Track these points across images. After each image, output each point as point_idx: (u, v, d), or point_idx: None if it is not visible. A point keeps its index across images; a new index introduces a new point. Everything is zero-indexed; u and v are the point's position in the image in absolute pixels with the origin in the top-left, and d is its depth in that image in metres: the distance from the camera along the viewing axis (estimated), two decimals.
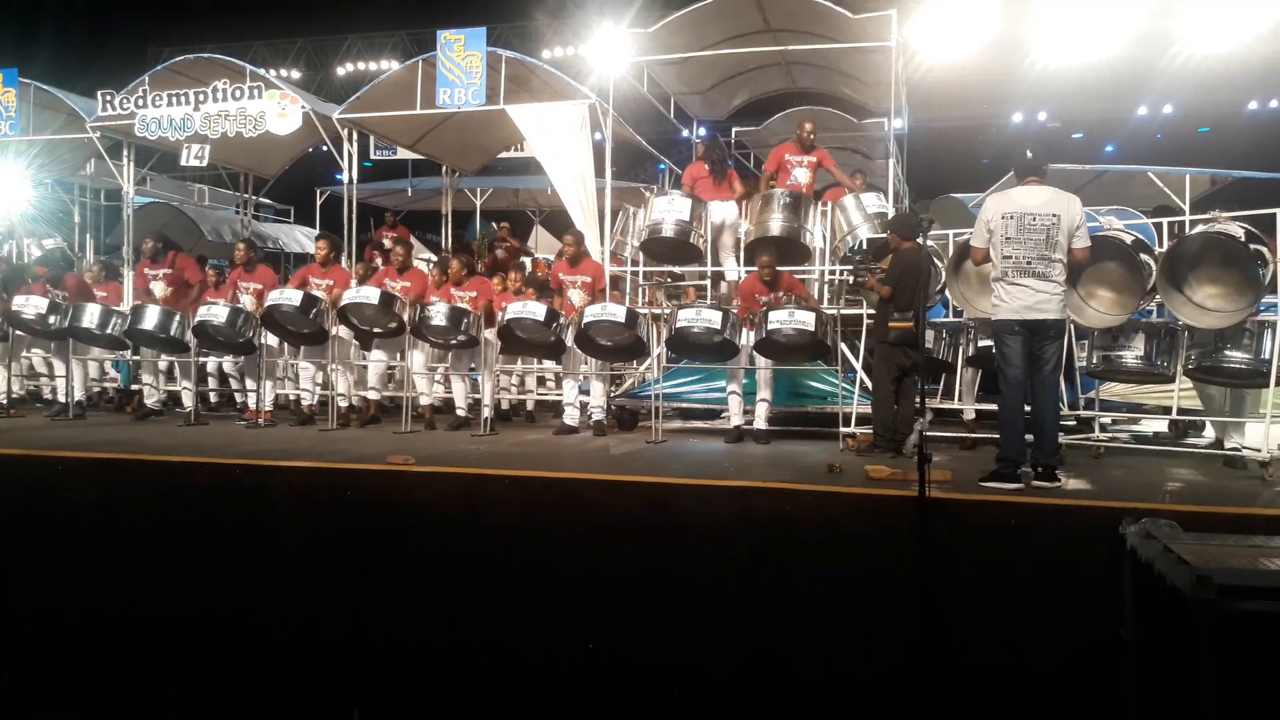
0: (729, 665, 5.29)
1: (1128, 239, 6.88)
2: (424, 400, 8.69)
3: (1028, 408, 5.81)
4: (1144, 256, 6.73)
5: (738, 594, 5.32)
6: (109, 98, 10.36)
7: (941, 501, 5.11)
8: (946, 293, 7.42)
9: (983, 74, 12.38)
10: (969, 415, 7.81)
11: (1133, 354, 6.89)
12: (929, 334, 7.72)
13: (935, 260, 7.38)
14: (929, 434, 5.07)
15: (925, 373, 6.83)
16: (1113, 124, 19.59)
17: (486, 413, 8.36)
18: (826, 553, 5.24)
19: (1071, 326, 6.96)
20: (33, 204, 12.26)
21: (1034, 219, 5.64)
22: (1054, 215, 5.65)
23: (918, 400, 6.99)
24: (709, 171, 9.09)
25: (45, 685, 6.43)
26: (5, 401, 9.54)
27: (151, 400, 9.48)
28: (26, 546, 6.47)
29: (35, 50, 15.58)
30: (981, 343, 7.39)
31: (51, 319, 9.04)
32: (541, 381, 10.46)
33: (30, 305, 9.01)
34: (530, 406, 10.00)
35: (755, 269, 8.06)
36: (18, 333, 9.59)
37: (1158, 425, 8.24)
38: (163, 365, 9.60)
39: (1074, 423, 7.57)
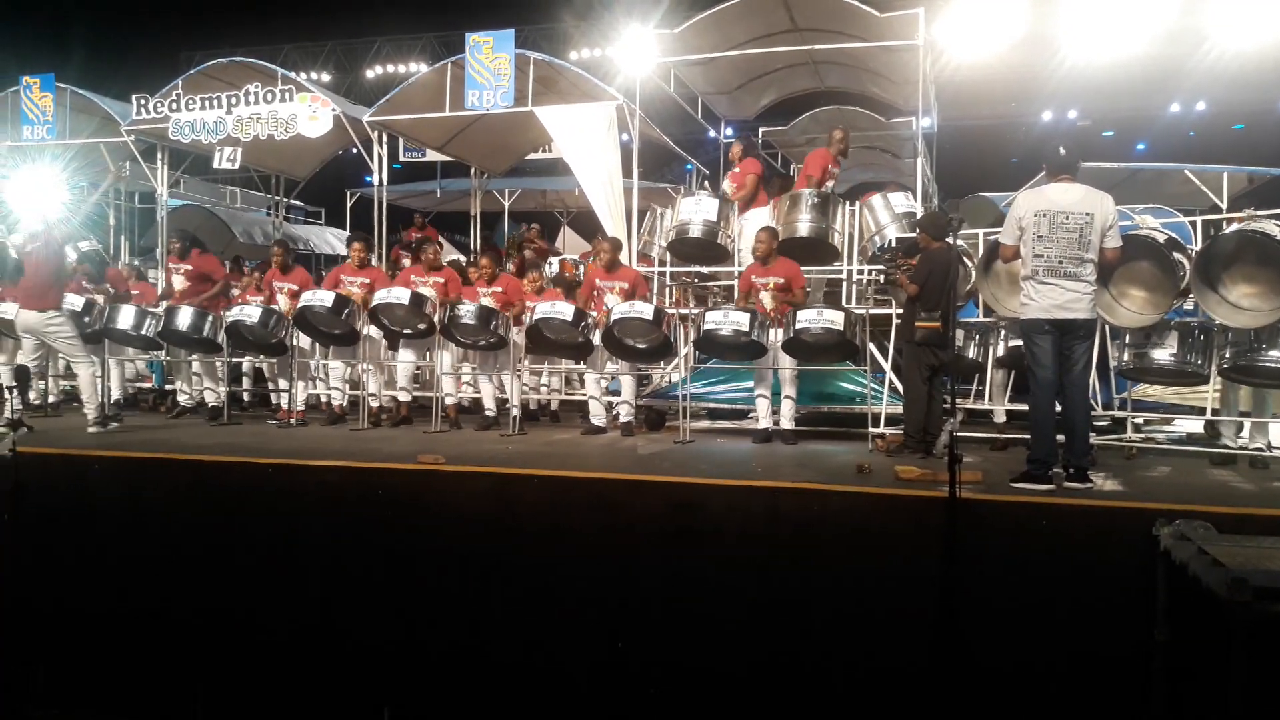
0: (756, 666, 5.29)
1: (1161, 237, 6.82)
2: (449, 400, 8.74)
3: (1059, 408, 5.77)
4: (1177, 255, 6.66)
5: (765, 595, 5.31)
6: (143, 101, 10.49)
7: (972, 502, 5.08)
8: (977, 292, 7.38)
9: (1011, 72, 12.28)
10: (1000, 416, 7.76)
11: (1166, 354, 6.82)
12: (959, 334, 7.68)
13: (965, 259, 7.34)
14: (959, 434, 5.04)
15: (955, 373, 6.78)
16: (1144, 121, 19.35)
17: (515, 412, 8.40)
18: (855, 554, 5.23)
19: (1105, 326, 6.91)
20: (68, 207, 12.41)
21: (1067, 217, 5.60)
22: (1087, 214, 5.60)
23: (948, 400, 6.97)
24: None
25: (76, 682, 6.53)
26: (44, 402, 9.69)
27: (185, 400, 9.60)
28: (62, 545, 6.57)
29: (70, 55, 15.81)
30: (1012, 343, 7.35)
31: (87, 319, 9.17)
32: (568, 382, 10.49)
33: (69, 305, 9.10)
34: (555, 406, 10.03)
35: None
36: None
37: (1192, 426, 8.15)
38: (196, 366, 9.70)
39: (1107, 423, 7.51)
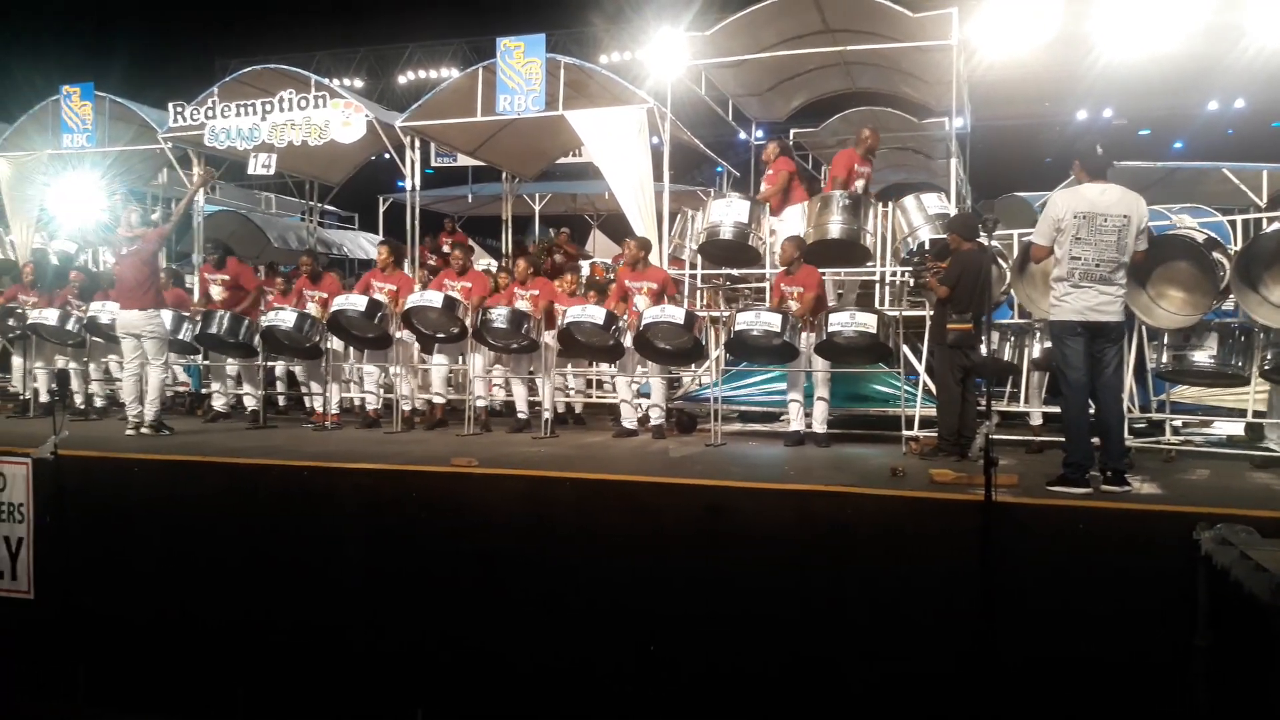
0: (789, 669, 5.27)
1: (1199, 237, 6.72)
2: (479, 403, 8.78)
3: (1092, 410, 5.71)
4: (1216, 255, 6.57)
5: (798, 598, 5.29)
6: (180, 109, 10.61)
7: (1008, 506, 5.04)
8: (1011, 293, 7.31)
9: (1045, 71, 12.18)
10: (1035, 419, 7.68)
11: (1206, 355, 6.72)
12: (994, 335, 7.62)
13: (999, 260, 7.28)
14: (994, 437, 5.00)
15: (989, 375, 6.73)
16: (1181, 120, 19.13)
17: (547, 415, 8.43)
18: (889, 557, 5.20)
19: (1142, 327, 6.83)
20: (107, 213, 12.62)
21: (1105, 220, 5.52)
22: (1125, 216, 5.53)
23: (983, 403, 6.92)
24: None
25: (118, 683, 6.62)
26: (86, 406, 9.85)
27: (221, 404, 9.72)
28: (103, 546, 6.66)
29: (109, 64, 16.04)
30: (1047, 344, 7.27)
31: (117, 324, 9.30)
32: (599, 384, 10.51)
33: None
34: (579, 410, 10.06)
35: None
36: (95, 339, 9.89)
37: (1232, 428, 8.02)
38: (231, 370, 9.83)
39: (1144, 425, 7.42)
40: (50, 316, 9.66)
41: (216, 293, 9.45)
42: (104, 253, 12.76)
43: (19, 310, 9.97)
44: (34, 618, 6.74)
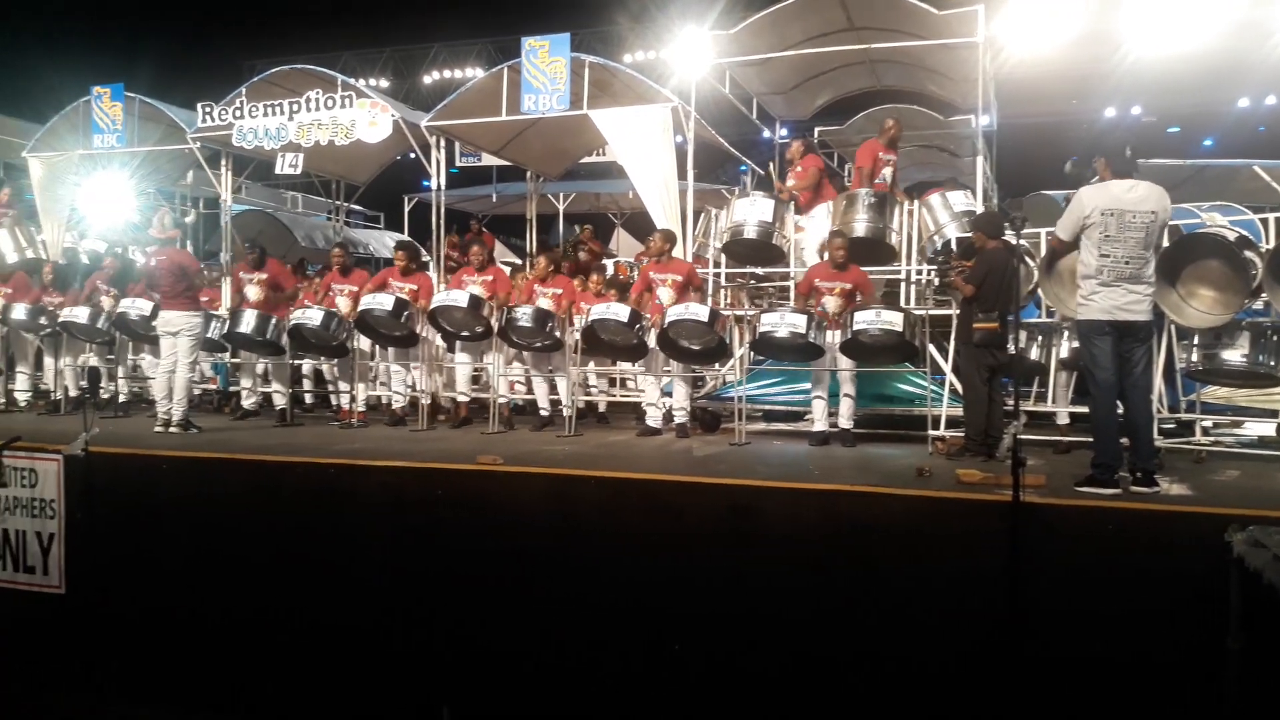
0: (815, 669, 5.26)
1: (1231, 235, 6.65)
2: (501, 401, 8.81)
3: (1120, 410, 5.66)
4: (1248, 253, 6.49)
5: (824, 598, 5.28)
6: (208, 109, 10.68)
7: (1036, 506, 5.00)
8: (1039, 292, 7.26)
9: (1073, 68, 12.09)
10: (1063, 418, 7.62)
11: (1237, 355, 6.65)
12: (1021, 335, 7.56)
13: (1027, 259, 7.23)
14: (1022, 437, 4.96)
15: (1017, 375, 6.68)
16: (1211, 117, 18.90)
17: (568, 413, 8.46)
18: (916, 558, 5.18)
19: (1172, 326, 6.76)
20: (137, 213, 12.75)
21: (1134, 217, 5.47)
22: (1153, 213, 5.48)
23: (1010, 403, 6.87)
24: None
25: (146, 678, 6.69)
26: (115, 403, 9.95)
27: (249, 402, 9.80)
28: (132, 542, 6.73)
29: (136, 64, 16.20)
30: (1075, 344, 7.21)
31: (154, 322, 9.39)
32: (622, 383, 10.51)
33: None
34: (603, 408, 10.07)
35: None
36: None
37: (1264, 429, 7.93)
38: (259, 368, 9.90)
39: (1174, 426, 7.34)
40: (80, 314, 9.77)
41: (253, 293, 9.46)
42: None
43: (49, 309, 10.08)
44: (65, 612, 6.83)
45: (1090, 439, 5.74)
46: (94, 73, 12.26)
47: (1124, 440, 5.60)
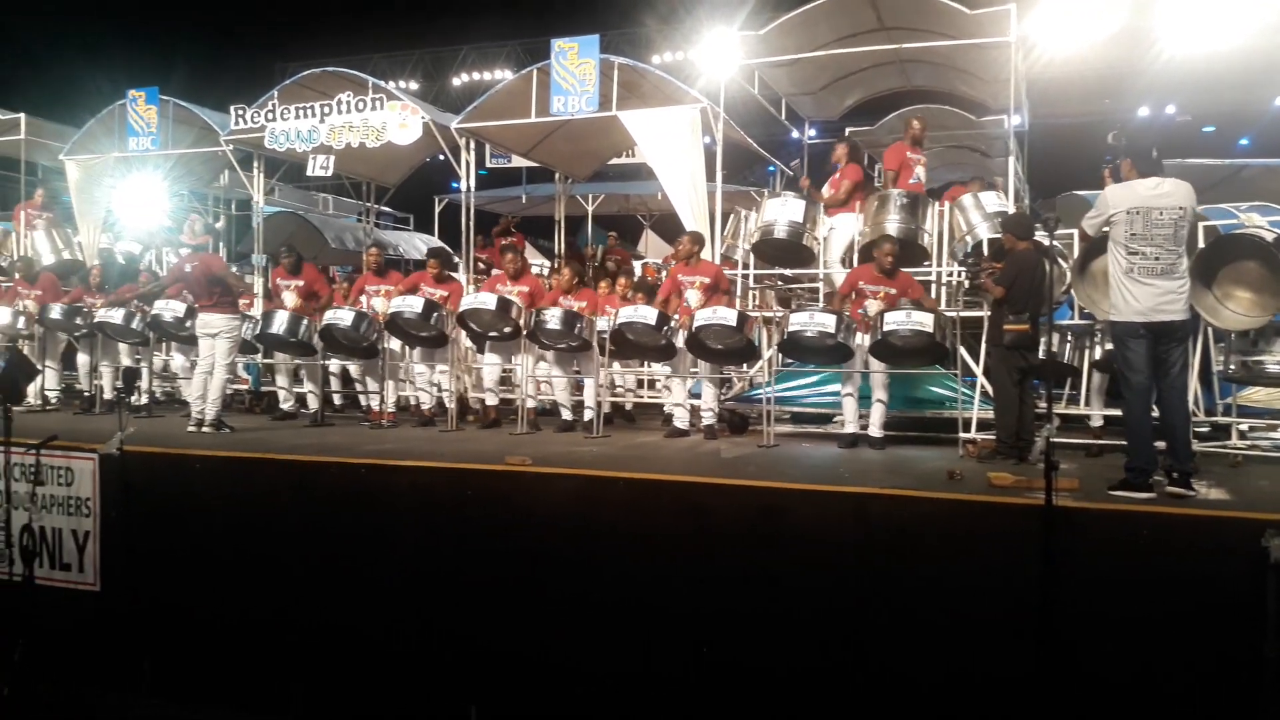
0: (844, 672, 5.23)
1: (1269, 236, 6.55)
2: (530, 404, 8.84)
3: (1155, 413, 5.59)
4: None
5: (854, 601, 5.25)
6: (241, 112, 10.80)
7: (1069, 510, 4.94)
8: (1071, 294, 7.19)
9: (1105, 67, 11.95)
10: (1096, 421, 7.54)
11: (1274, 358, 6.55)
12: (1054, 336, 7.49)
13: (1060, 260, 7.16)
14: (1054, 440, 4.91)
15: (1049, 377, 6.62)
16: (1248, 116, 18.59)
17: (589, 415, 8.50)
18: (946, 561, 5.14)
19: (1208, 328, 6.67)
20: (170, 215, 12.91)
21: (1161, 213, 5.43)
22: (1180, 208, 5.44)
23: (1041, 405, 6.80)
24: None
25: (180, 675, 6.75)
26: (149, 403, 10.07)
27: (288, 405, 9.89)
28: (167, 541, 6.80)
29: (170, 68, 16.41)
30: (1109, 345, 7.13)
31: (188, 323, 9.50)
32: (649, 385, 10.52)
33: (169, 310, 9.46)
34: (629, 408, 10.07)
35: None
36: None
37: None
38: (280, 368, 10.01)
39: (1209, 430, 7.24)
40: (116, 315, 9.90)
41: (290, 299, 9.53)
42: (167, 253, 13.03)
43: (85, 310, 10.23)
44: (100, 609, 6.91)
45: (1124, 441, 5.68)
46: (128, 76, 12.45)
47: (1159, 444, 5.54)
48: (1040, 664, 4.71)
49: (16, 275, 11.01)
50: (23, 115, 12.47)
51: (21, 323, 10.38)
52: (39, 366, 9.81)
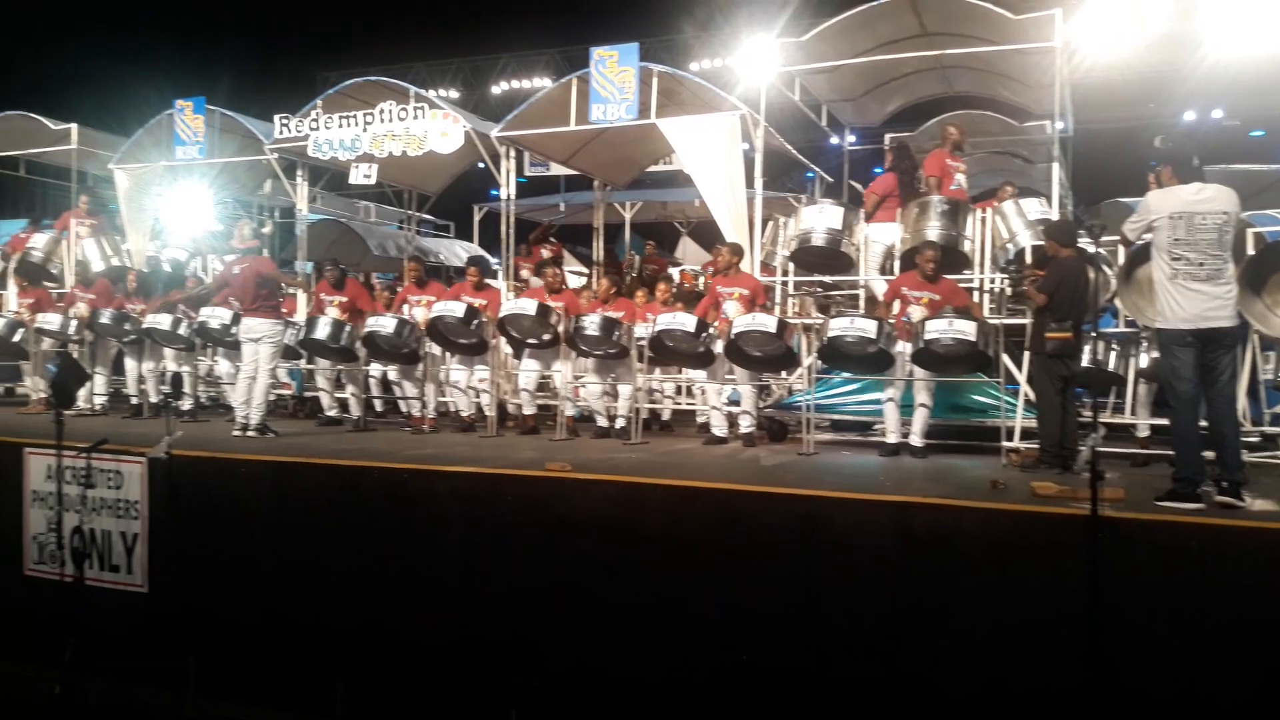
0: (884, 681, 5.20)
1: None
2: (569, 411, 8.87)
3: (1202, 423, 5.51)
4: None
5: (895, 611, 5.22)
6: (285, 121, 10.94)
7: (1115, 521, 4.89)
8: (1116, 302, 7.10)
9: (1151, 71, 11.81)
10: (1143, 431, 7.44)
11: None
12: (1099, 344, 7.41)
13: (1105, 267, 7.07)
14: (1099, 449, 4.85)
15: (1092, 386, 6.55)
16: None
17: (622, 422, 8.54)
18: (989, 572, 5.10)
19: (1256, 337, 6.56)
20: (218, 222, 13.12)
21: (1204, 218, 5.37)
22: (1224, 213, 5.37)
23: (1085, 414, 6.73)
24: (898, 184, 8.93)
25: (224, 675, 6.83)
26: (194, 407, 10.24)
27: (333, 411, 10.01)
28: (212, 543, 6.90)
29: (215, 77, 16.68)
30: (1155, 354, 7.04)
31: (233, 329, 9.64)
32: (686, 391, 10.51)
33: (215, 316, 9.62)
34: (666, 416, 10.07)
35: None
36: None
37: None
38: (331, 374, 10.12)
39: (1257, 440, 7.11)
40: (163, 321, 10.07)
41: (333, 314, 9.65)
42: (213, 260, 13.23)
43: (133, 316, 10.41)
44: (148, 610, 7.02)
45: (1170, 451, 5.60)
46: (175, 86, 12.66)
47: (1208, 453, 5.45)
48: (1086, 677, 4.65)
49: (74, 280, 11.27)
50: (74, 126, 12.72)
51: (72, 328, 10.59)
52: (89, 371, 10.01)
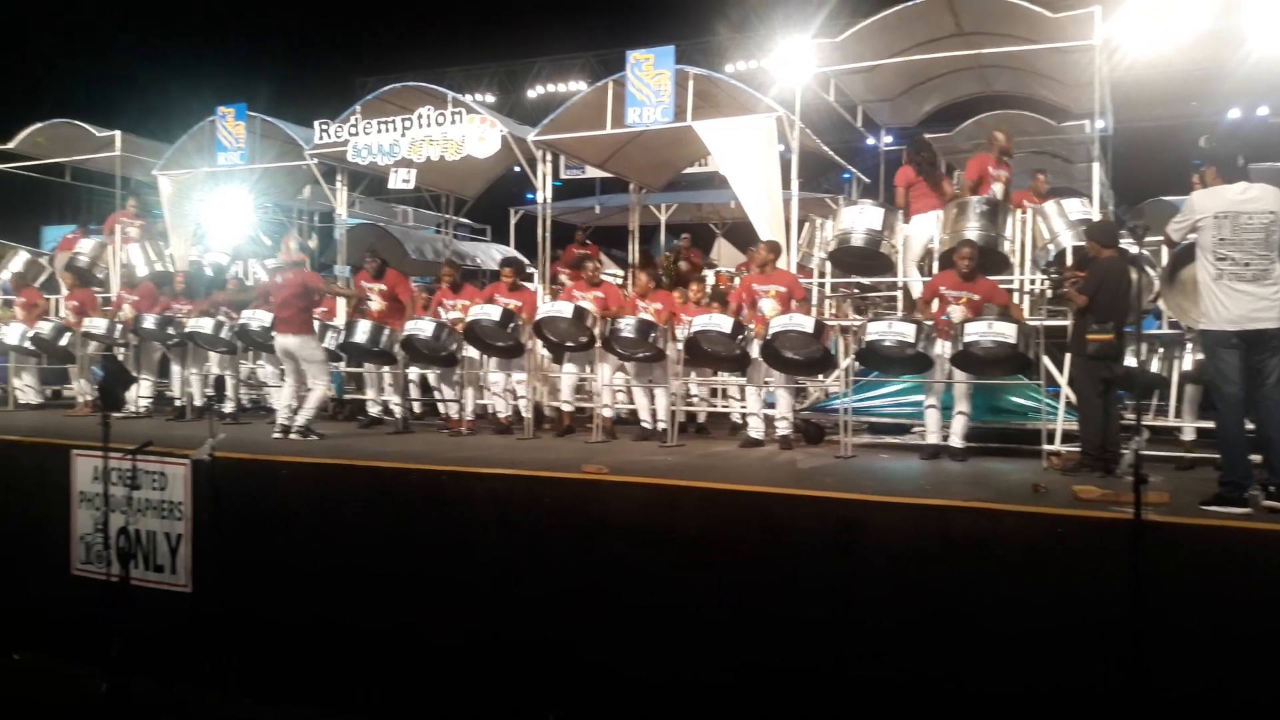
0: (922, 685, 5.17)
1: None
2: (606, 413, 8.90)
3: (1249, 426, 5.42)
4: None
5: (934, 616, 5.18)
6: (325, 126, 11.06)
7: (1159, 525, 4.82)
8: (1159, 303, 7.00)
9: (1193, 68, 11.60)
10: (1188, 434, 7.33)
11: None
12: (1142, 346, 7.31)
13: (1148, 268, 6.98)
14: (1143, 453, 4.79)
15: (1135, 389, 6.46)
16: None
17: (661, 426, 8.54)
18: (1030, 577, 5.05)
19: None
20: (258, 227, 13.30)
21: (1250, 218, 5.31)
22: (1271, 213, 5.30)
23: (1127, 416, 6.65)
24: (918, 174, 8.92)
25: (263, 674, 6.91)
26: (237, 409, 10.38)
27: (375, 411, 10.11)
28: (254, 544, 6.98)
29: (254, 83, 16.88)
30: (1199, 356, 6.94)
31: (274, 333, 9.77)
32: (722, 394, 10.49)
33: (257, 319, 9.75)
34: (702, 419, 10.07)
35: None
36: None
37: None
38: (368, 377, 10.22)
39: None
40: (206, 325, 10.21)
41: (375, 304, 9.79)
42: (254, 264, 13.40)
43: (177, 319, 10.57)
44: (191, 610, 7.13)
45: (1215, 455, 5.51)
46: (216, 93, 12.85)
47: (1255, 456, 5.37)
48: (1130, 683, 4.59)
49: (119, 283, 11.48)
50: (118, 133, 12.93)
51: (117, 331, 10.77)
52: (134, 375, 10.19)
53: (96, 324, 10.87)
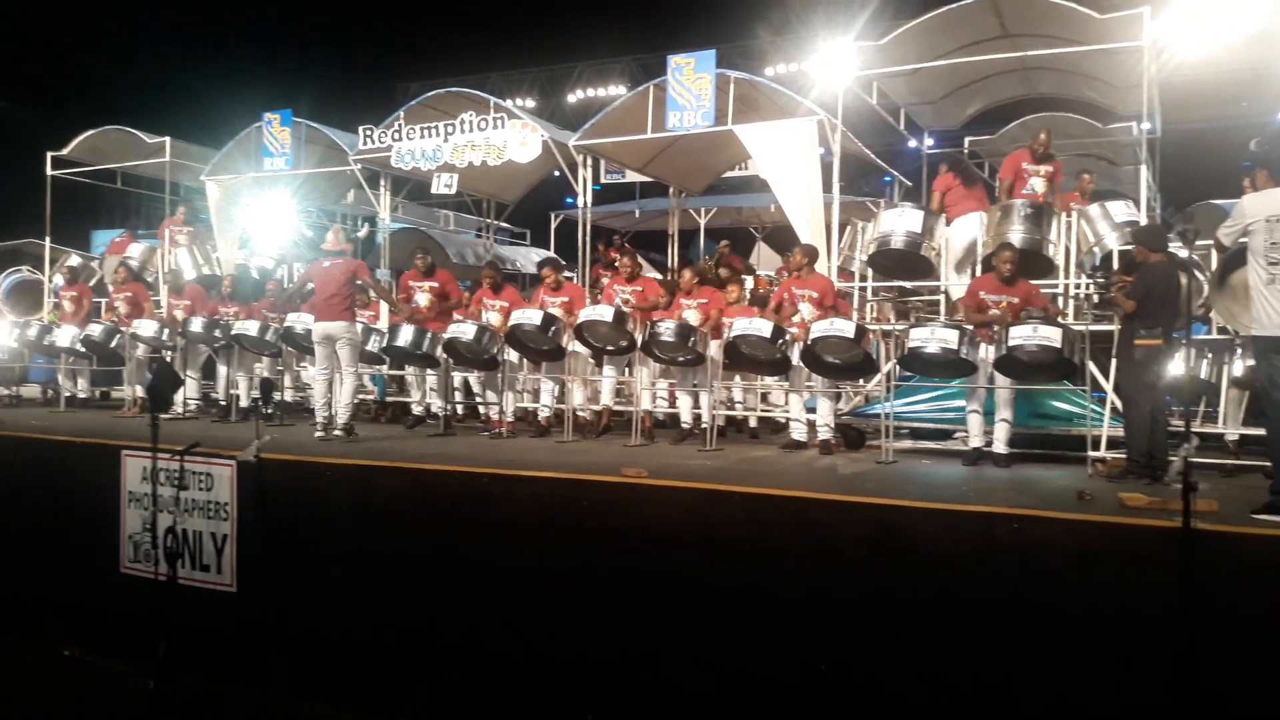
0: (967, 693, 5.12)
1: None
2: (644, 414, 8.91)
3: None
4: None
5: (977, 624, 5.13)
6: (368, 132, 11.20)
7: (1208, 534, 4.74)
8: (1210, 309, 6.89)
9: (1244, 69, 11.41)
10: (1232, 437, 7.20)
11: None
12: (1190, 352, 7.19)
13: (1197, 273, 6.87)
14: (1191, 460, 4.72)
15: (1184, 395, 6.36)
16: None
17: (704, 425, 8.50)
18: (1076, 585, 4.98)
19: None
20: (305, 230, 13.47)
21: None
22: None
23: (1174, 423, 6.55)
24: (958, 180, 8.85)
25: (306, 673, 7.01)
26: (280, 411, 10.51)
27: (418, 410, 10.21)
28: (298, 544, 7.09)
29: (298, 89, 17.15)
30: (1249, 362, 6.81)
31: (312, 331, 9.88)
32: (763, 398, 10.47)
33: (300, 322, 9.87)
34: (754, 423, 10.05)
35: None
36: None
37: None
38: (412, 379, 10.32)
39: None
40: (251, 328, 10.37)
41: (423, 300, 9.88)
42: (299, 267, 13.58)
43: (223, 322, 10.75)
44: (236, 609, 7.24)
45: (1265, 462, 5.41)
46: (263, 98, 13.05)
47: None
48: (1181, 695, 4.52)
49: (166, 288, 11.70)
50: (168, 139, 13.16)
51: (166, 334, 10.96)
52: (182, 377, 10.37)
53: (146, 326, 11.06)
